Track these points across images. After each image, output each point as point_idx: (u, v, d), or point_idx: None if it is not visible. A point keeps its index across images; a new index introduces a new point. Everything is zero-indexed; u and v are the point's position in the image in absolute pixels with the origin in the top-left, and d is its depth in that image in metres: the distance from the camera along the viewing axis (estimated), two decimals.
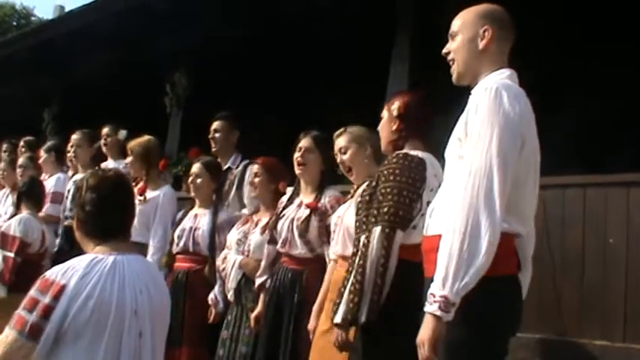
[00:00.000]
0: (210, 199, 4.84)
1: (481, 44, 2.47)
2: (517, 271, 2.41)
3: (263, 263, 4.21)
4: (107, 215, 2.49)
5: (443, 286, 2.18)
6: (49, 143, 6.48)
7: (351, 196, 3.75)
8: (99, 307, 2.28)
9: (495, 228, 2.20)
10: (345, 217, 3.59)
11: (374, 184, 3.00)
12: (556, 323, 3.84)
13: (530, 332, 3.84)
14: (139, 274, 2.42)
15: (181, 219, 4.86)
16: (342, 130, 3.76)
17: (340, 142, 3.72)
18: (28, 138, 6.96)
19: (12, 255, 4.97)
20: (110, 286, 2.32)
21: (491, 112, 2.27)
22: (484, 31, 2.47)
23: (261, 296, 4.18)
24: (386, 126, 3.22)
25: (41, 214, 5.43)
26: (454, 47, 2.54)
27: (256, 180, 4.43)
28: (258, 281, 4.20)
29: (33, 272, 2.40)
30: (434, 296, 2.20)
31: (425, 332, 2.22)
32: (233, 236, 4.52)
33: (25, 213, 5.19)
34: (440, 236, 2.33)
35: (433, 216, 2.52)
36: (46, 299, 2.25)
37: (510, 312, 2.39)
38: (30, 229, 5.09)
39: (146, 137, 5.30)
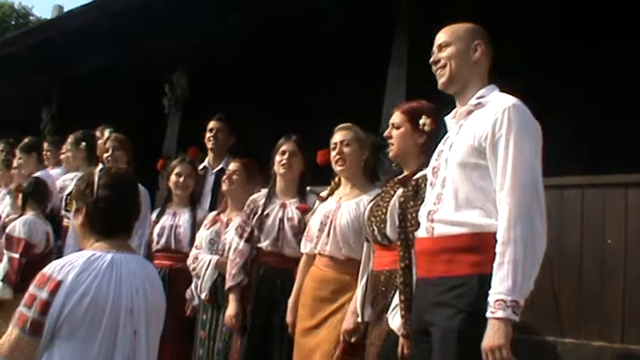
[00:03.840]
0: (189, 198, 4.97)
1: (474, 56, 2.66)
2: None
3: (238, 262, 4.20)
4: (118, 213, 2.51)
5: (513, 291, 2.32)
6: (23, 143, 6.46)
7: (331, 191, 3.82)
8: (94, 304, 2.28)
9: (545, 234, 2.42)
10: (340, 219, 3.63)
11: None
12: (554, 324, 3.84)
13: (529, 333, 3.84)
14: (135, 272, 2.43)
15: (159, 217, 4.92)
16: (349, 124, 3.81)
17: (345, 135, 3.77)
18: (31, 138, 6.93)
19: (17, 256, 4.99)
20: (107, 284, 2.32)
21: (524, 127, 2.47)
22: (477, 45, 2.66)
23: (233, 295, 4.18)
24: (409, 138, 3.24)
25: None
26: (445, 55, 2.69)
27: (234, 177, 4.52)
28: (234, 281, 4.18)
29: (37, 273, 2.40)
30: (505, 302, 2.32)
31: (500, 338, 2.32)
32: (203, 235, 4.56)
33: (29, 214, 5.21)
34: (451, 237, 2.52)
35: (437, 219, 2.60)
36: (44, 294, 2.26)
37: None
38: (34, 230, 5.11)
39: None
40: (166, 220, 4.87)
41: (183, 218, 4.85)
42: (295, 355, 3.70)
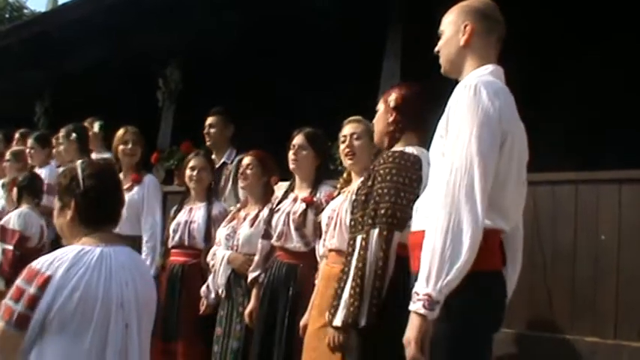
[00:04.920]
0: (205, 193, 4.87)
1: (462, 40, 2.51)
2: (501, 266, 2.41)
3: (256, 258, 4.21)
4: (108, 202, 2.52)
5: (427, 284, 2.19)
6: (37, 134, 6.43)
7: (341, 188, 3.76)
8: (85, 299, 2.27)
9: (477, 225, 2.21)
10: (341, 211, 3.58)
11: (369, 183, 2.95)
12: (547, 320, 3.85)
13: (521, 329, 3.85)
14: (124, 266, 2.42)
15: (176, 213, 4.87)
16: (359, 117, 3.75)
17: (355, 127, 3.70)
18: (23, 130, 6.92)
19: (11, 248, 4.98)
20: (97, 278, 2.31)
21: (470, 109, 2.29)
22: (464, 27, 2.51)
23: (254, 291, 4.18)
24: (381, 118, 3.19)
25: None
26: (440, 44, 2.59)
27: (248, 172, 4.45)
28: (251, 276, 4.20)
29: None
30: (417, 294, 2.21)
31: (411, 331, 2.22)
32: (222, 233, 4.52)
33: (24, 207, 5.21)
34: (422, 232, 2.35)
35: (418, 212, 2.55)
36: (32, 289, 2.24)
37: (494, 307, 2.40)
38: (29, 223, 5.12)
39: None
40: (182, 216, 4.80)
41: (198, 214, 4.76)
42: (305, 356, 3.59)
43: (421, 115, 3.07)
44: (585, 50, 5.55)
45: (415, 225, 2.53)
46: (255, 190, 4.48)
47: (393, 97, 3.13)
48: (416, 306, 2.20)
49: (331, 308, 2.93)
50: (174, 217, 4.84)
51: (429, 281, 2.19)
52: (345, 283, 2.89)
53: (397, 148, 3.05)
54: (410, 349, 2.21)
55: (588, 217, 3.82)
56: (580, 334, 3.72)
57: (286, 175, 4.32)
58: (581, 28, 5.46)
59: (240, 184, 4.57)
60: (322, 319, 3.46)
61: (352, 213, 3.06)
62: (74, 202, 2.46)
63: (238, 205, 4.70)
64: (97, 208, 2.47)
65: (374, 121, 3.27)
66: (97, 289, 2.30)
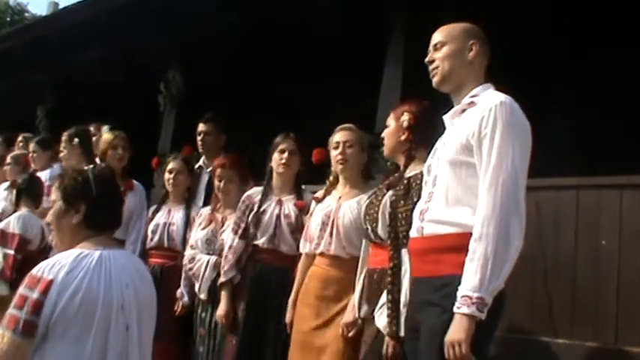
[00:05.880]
0: (182, 195, 4.96)
1: (469, 56, 2.68)
2: None
3: (230, 258, 4.21)
4: (117, 208, 2.59)
5: (480, 288, 2.32)
6: (39, 137, 6.43)
7: (327, 191, 3.83)
8: (86, 301, 2.28)
9: (522, 231, 2.41)
10: (342, 218, 3.64)
11: (415, 199, 3.00)
12: (548, 324, 3.85)
13: (522, 333, 3.85)
14: (124, 268, 2.43)
15: (154, 214, 4.93)
16: (350, 125, 3.84)
17: (348, 135, 3.79)
18: (26, 134, 6.91)
19: (12, 252, 4.96)
20: (97, 280, 2.32)
21: (510, 125, 2.46)
22: (472, 44, 2.68)
23: (224, 292, 4.20)
24: (393, 135, 3.32)
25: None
26: (440, 56, 2.71)
27: (229, 186, 4.48)
28: (226, 277, 4.19)
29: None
30: (470, 298, 2.33)
31: (460, 333, 2.33)
32: (199, 236, 4.53)
33: (24, 210, 5.18)
34: (439, 237, 2.53)
35: (427, 218, 2.61)
36: (35, 295, 2.24)
37: (502, 310, 2.52)
38: (29, 225, 5.08)
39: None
40: (160, 218, 4.88)
41: (177, 216, 4.85)
42: (297, 355, 3.67)
43: (432, 132, 3.13)
44: (581, 55, 5.55)
45: (427, 230, 2.60)
46: (236, 198, 4.44)
47: (406, 118, 3.26)
48: (470, 309, 2.32)
49: (391, 319, 2.99)
50: (152, 218, 4.91)
51: (483, 284, 2.33)
52: (398, 295, 2.99)
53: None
54: (460, 350, 2.32)
55: (589, 223, 3.82)
56: (581, 339, 3.72)
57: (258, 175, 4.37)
58: (582, 31, 5.46)
59: (220, 195, 4.56)
60: (319, 320, 3.61)
61: (390, 225, 3.13)
62: (85, 206, 2.47)
63: (211, 207, 4.68)
64: (106, 214, 2.51)
65: (384, 134, 3.38)
66: (98, 291, 2.31)
